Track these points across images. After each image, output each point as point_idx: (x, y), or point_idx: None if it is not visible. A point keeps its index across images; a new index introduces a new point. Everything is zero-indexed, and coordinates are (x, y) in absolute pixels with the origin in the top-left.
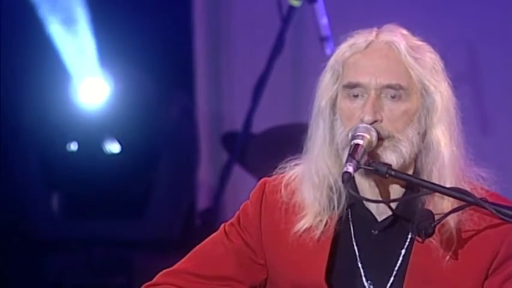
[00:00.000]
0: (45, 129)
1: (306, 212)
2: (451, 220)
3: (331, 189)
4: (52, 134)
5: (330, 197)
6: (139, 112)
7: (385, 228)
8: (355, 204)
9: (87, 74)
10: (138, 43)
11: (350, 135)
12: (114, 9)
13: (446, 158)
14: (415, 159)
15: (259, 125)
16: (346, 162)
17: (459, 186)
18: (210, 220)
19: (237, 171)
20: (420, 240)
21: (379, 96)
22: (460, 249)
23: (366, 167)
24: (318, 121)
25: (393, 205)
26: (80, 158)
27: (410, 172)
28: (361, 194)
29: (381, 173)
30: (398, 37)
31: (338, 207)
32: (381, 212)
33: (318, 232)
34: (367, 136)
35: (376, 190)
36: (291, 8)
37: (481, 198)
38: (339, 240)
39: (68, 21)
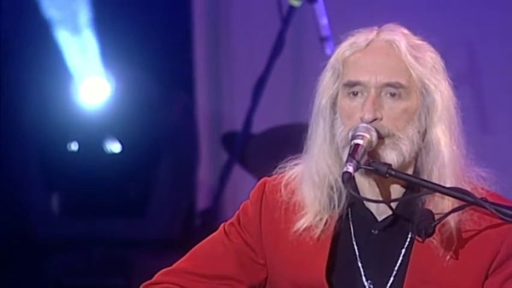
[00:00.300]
0: (46, 129)
1: (306, 210)
2: (452, 220)
3: (331, 188)
4: (53, 134)
5: (330, 196)
6: (140, 112)
7: (385, 228)
8: (355, 204)
9: (88, 74)
10: (138, 43)
11: (350, 134)
12: (114, 10)
13: (447, 157)
14: (416, 158)
15: (259, 125)
16: (346, 162)
17: (459, 185)
18: (210, 220)
19: (237, 171)
20: (420, 240)
21: (379, 95)
22: (460, 249)
23: (366, 167)
24: (318, 120)
25: (393, 205)
26: (80, 158)
27: (411, 171)
28: (361, 193)
29: (381, 172)
30: (399, 36)
31: (338, 206)
32: (381, 212)
33: (318, 231)
34: (367, 136)
35: (376, 190)
36: (291, 8)
37: (481, 198)
38: (339, 240)
39: (70, 21)
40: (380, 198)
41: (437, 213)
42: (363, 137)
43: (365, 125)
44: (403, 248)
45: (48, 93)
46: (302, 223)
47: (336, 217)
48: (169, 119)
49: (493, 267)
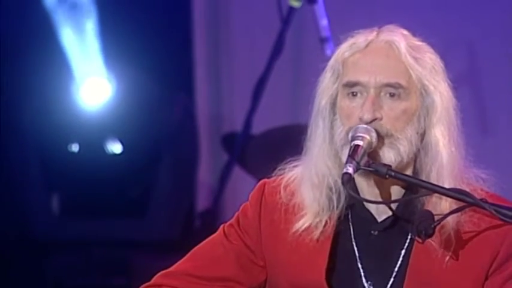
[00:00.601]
0: (47, 129)
1: (306, 211)
2: (451, 221)
3: (330, 189)
4: (53, 134)
5: (329, 197)
6: (140, 112)
7: (385, 229)
8: (354, 205)
9: (89, 75)
10: (139, 44)
11: (350, 135)
12: (114, 11)
13: (445, 158)
14: (415, 159)
15: (259, 126)
16: (346, 163)
17: (458, 187)
18: (210, 220)
19: (237, 172)
20: (420, 240)
21: (378, 95)
22: (460, 250)
23: (366, 168)
24: (317, 121)
25: (393, 206)
26: (81, 158)
27: (410, 172)
28: (361, 194)
29: (380, 173)
30: (398, 37)
31: (338, 207)
32: (380, 213)
33: (317, 232)
34: (367, 137)
35: (376, 190)
36: (291, 9)
37: (480, 199)
38: (338, 241)
39: (71, 22)
40: (379, 199)
41: (436, 214)
42: (363, 138)
43: (365, 126)
44: (403, 248)
45: (49, 94)
46: (301, 224)
47: (335, 218)
48: (170, 119)
49: (493, 268)
